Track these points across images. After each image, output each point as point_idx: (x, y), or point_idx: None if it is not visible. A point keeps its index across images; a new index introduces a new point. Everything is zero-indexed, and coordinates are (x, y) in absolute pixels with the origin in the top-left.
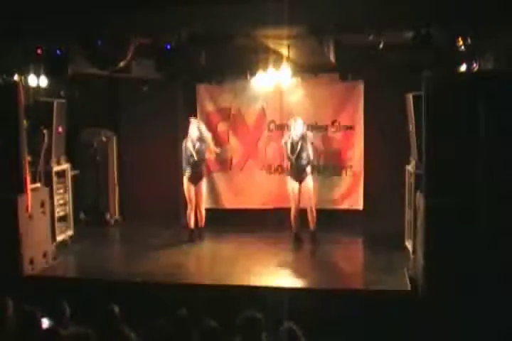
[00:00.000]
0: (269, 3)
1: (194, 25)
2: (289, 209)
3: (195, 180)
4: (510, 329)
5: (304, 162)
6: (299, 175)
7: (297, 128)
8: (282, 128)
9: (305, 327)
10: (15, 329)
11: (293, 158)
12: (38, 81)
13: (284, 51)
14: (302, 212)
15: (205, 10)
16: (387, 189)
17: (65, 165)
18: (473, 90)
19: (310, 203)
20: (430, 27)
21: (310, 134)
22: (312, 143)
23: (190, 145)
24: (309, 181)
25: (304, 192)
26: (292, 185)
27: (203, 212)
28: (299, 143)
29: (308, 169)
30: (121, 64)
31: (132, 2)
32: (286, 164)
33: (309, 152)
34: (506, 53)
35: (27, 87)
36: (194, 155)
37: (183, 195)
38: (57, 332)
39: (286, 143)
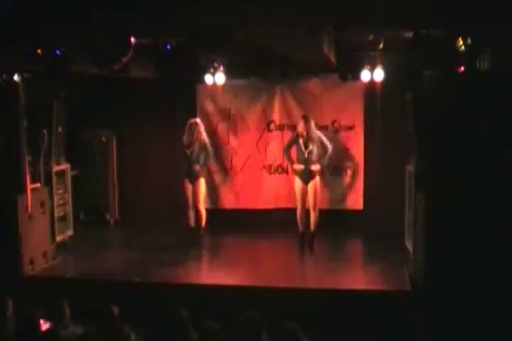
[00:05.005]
0: (269, 3)
1: (194, 25)
2: (289, 209)
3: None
4: (510, 329)
5: (313, 162)
6: (306, 176)
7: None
8: (282, 128)
9: (305, 327)
10: (15, 329)
11: (304, 157)
12: (38, 81)
13: (284, 51)
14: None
15: (205, 10)
16: (387, 189)
17: (65, 165)
18: (473, 90)
19: (315, 205)
20: (430, 27)
21: (319, 134)
22: (322, 143)
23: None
24: (317, 182)
25: (310, 193)
26: (299, 185)
27: (203, 212)
28: (309, 144)
29: (317, 169)
30: (121, 64)
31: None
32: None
33: (318, 152)
34: (506, 53)
35: (27, 87)
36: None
37: (183, 194)
38: (57, 332)
39: (297, 143)
